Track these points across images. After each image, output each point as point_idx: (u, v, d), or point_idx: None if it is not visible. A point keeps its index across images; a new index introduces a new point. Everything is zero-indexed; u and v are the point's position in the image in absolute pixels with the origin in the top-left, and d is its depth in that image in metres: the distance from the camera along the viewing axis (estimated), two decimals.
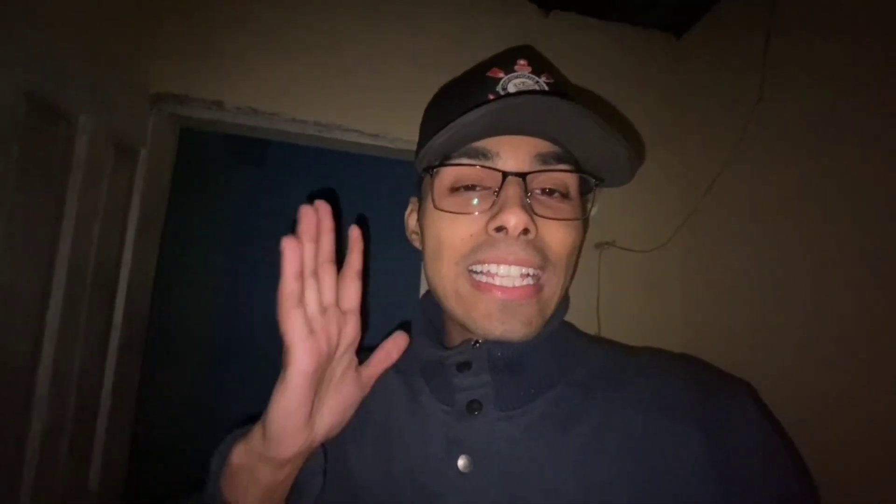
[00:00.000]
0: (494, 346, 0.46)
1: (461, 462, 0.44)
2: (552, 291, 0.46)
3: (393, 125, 1.29)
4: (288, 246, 0.38)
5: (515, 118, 0.44)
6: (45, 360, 0.88)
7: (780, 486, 0.41)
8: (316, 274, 0.40)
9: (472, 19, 1.39)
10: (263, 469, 0.40)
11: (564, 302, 0.52)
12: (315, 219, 0.40)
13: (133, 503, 1.19)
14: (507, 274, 0.44)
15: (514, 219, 0.42)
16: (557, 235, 0.45)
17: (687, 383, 0.46)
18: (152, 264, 1.21)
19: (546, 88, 0.47)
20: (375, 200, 1.86)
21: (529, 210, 0.43)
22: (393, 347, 0.45)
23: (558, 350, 0.50)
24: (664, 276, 1.41)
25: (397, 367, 0.51)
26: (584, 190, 0.50)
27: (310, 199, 0.40)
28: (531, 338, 0.45)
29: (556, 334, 0.50)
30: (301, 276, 0.38)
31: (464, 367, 0.46)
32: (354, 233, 0.42)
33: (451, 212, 0.46)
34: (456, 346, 0.50)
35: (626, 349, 0.53)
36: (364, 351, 0.53)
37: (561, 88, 0.48)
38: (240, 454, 0.41)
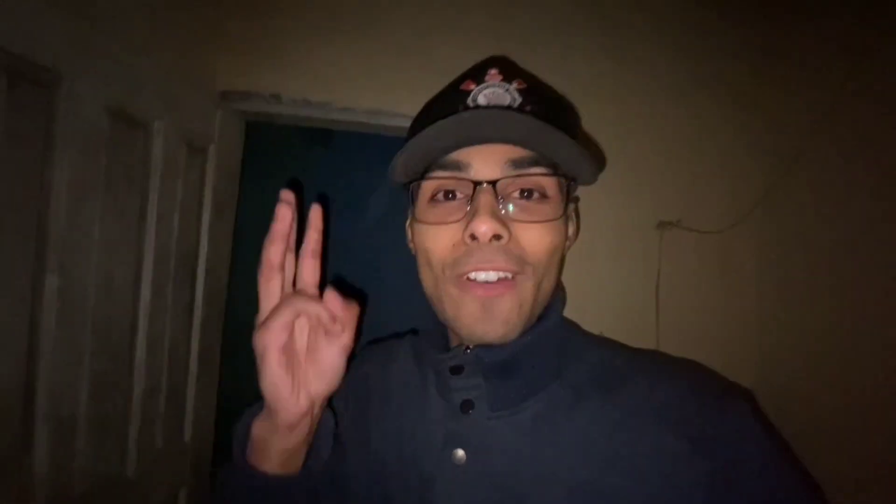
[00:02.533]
0: (483, 352, 0.48)
1: (457, 454, 0.47)
2: (528, 291, 0.47)
3: None
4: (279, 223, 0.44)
5: (481, 130, 0.45)
6: (141, 333, 1.04)
7: (776, 497, 0.40)
8: (283, 266, 0.46)
9: None
10: (275, 437, 0.45)
11: (558, 299, 0.53)
12: (289, 214, 0.45)
13: (222, 451, 1.39)
14: (486, 279, 0.46)
15: (483, 226, 0.44)
16: (534, 237, 0.46)
17: (683, 391, 0.46)
18: (227, 248, 1.35)
19: (517, 95, 0.48)
20: None
21: (499, 216, 0.45)
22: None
23: (553, 350, 0.51)
24: (737, 262, 1.28)
25: (418, 358, 0.58)
26: (566, 189, 0.50)
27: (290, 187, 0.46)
28: (510, 338, 0.46)
29: (552, 333, 0.51)
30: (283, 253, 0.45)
31: (457, 370, 0.49)
32: (314, 212, 0.46)
33: (431, 223, 0.48)
34: (451, 350, 0.53)
35: (627, 351, 0.53)
36: (372, 343, 0.60)
37: (532, 94, 0.49)
38: (257, 426, 0.47)
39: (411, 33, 1.31)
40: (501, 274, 0.46)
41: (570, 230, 0.54)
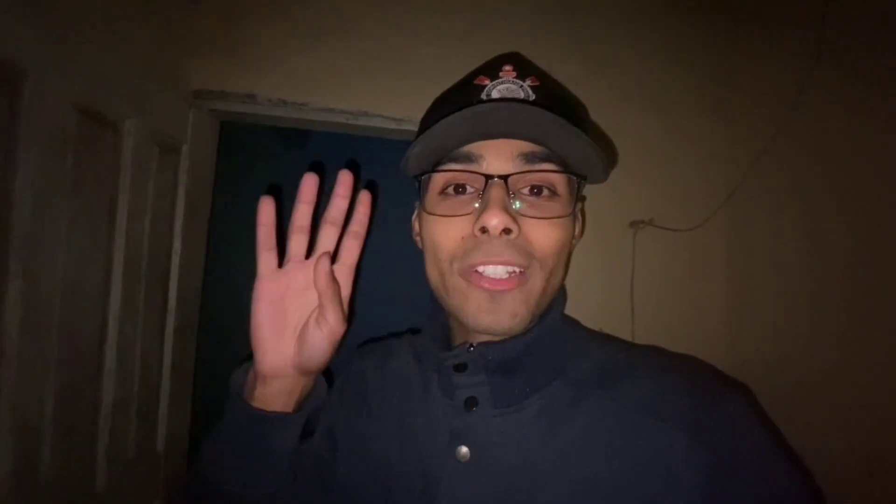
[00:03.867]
0: (487, 350, 0.48)
1: (461, 451, 0.47)
2: (537, 286, 0.47)
3: (420, 110, 1.29)
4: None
5: (495, 123, 0.46)
6: (111, 341, 1.00)
7: (772, 492, 0.40)
8: (304, 229, 0.50)
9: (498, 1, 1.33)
10: (256, 385, 0.50)
11: (560, 297, 0.53)
12: (314, 184, 0.50)
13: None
14: (494, 273, 0.46)
15: (494, 220, 0.44)
16: (543, 233, 0.47)
17: (680, 387, 0.46)
18: (201, 252, 1.31)
19: (530, 92, 0.48)
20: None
21: (511, 210, 0.45)
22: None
23: (555, 347, 0.51)
24: (705, 258, 1.33)
25: (418, 357, 0.58)
26: (576, 187, 0.50)
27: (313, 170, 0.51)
28: (518, 330, 0.47)
29: (554, 330, 0.51)
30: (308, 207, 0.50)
31: (461, 367, 0.49)
32: (364, 195, 0.51)
33: (441, 215, 0.49)
34: (454, 348, 0.53)
35: (627, 347, 0.54)
36: (368, 343, 0.62)
37: (545, 91, 0.49)
38: (247, 373, 0.52)
39: (391, 34, 1.31)
40: (510, 269, 0.46)
41: (577, 229, 0.54)
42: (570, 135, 0.45)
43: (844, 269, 0.94)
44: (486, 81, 0.49)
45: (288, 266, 0.50)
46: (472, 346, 0.49)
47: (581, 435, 0.46)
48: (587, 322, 0.58)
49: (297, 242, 0.50)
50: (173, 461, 1.21)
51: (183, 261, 1.22)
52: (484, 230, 0.45)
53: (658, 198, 1.33)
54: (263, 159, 2.02)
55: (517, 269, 0.46)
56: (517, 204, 0.46)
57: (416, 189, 0.53)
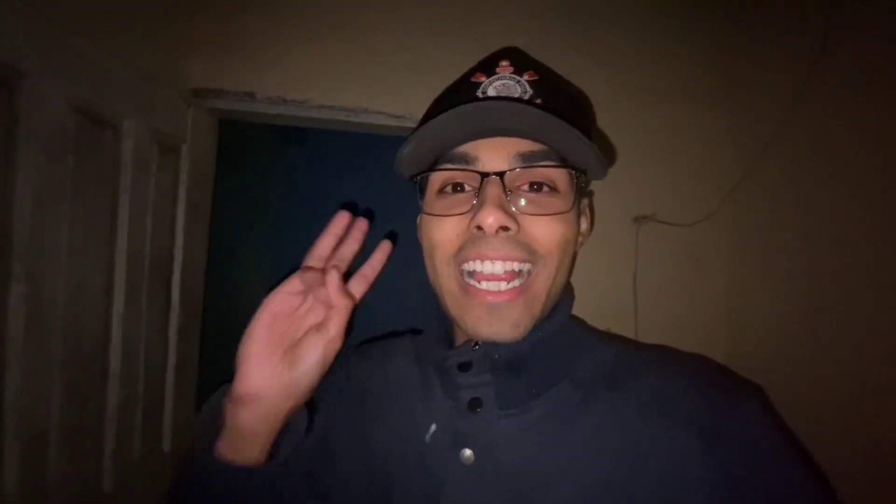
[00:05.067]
0: (493, 348, 0.47)
1: (465, 454, 0.46)
2: (542, 287, 0.46)
3: (420, 105, 1.28)
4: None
5: (488, 121, 0.45)
6: (115, 342, 1.00)
7: (787, 493, 0.39)
8: (323, 259, 0.50)
9: None
10: (230, 410, 0.45)
11: (567, 296, 0.52)
12: (344, 222, 0.50)
13: None
14: (492, 271, 0.45)
15: (489, 218, 0.43)
16: (545, 230, 0.46)
17: (692, 386, 0.45)
18: (203, 251, 1.31)
19: (528, 87, 0.47)
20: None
21: (507, 208, 0.44)
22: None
23: (562, 347, 0.50)
24: (708, 253, 1.33)
25: (418, 358, 0.56)
26: (577, 182, 0.49)
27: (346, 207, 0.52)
28: (521, 338, 0.46)
29: (561, 331, 0.50)
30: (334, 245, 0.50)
31: (465, 366, 0.48)
32: (385, 245, 0.51)
33: (438, 214, 0.48)
34: (458, 346, 0.51)
35: (635, 346, 0.52)
36: (366, 343, 0.61)
37: (544, 85, 0.48)
38: (222, 399, 0.47)
39: (390, 30, 1.30)
40: (509, 266, 0.45)
41: (584, 226, 0.53)
42: (564, 131, 0.44)
43: (845, 263, 0.93)
44: (483, 78, 0.48)
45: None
46: (477, 344, 0.48)
47: (590, 437, 0.44)
48: (591, 318, 0.57)
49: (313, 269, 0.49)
50: (178, 459, 1.22)
51: (185, 260, 1.22)
52: (480, 228, 0.44)
53: (661, 193, 1.33)
54: (263, 157, 2.01)
55: (516, 268, 0.45)
56: (520, 201, 0.45)
57: (416, 190, 0.52)
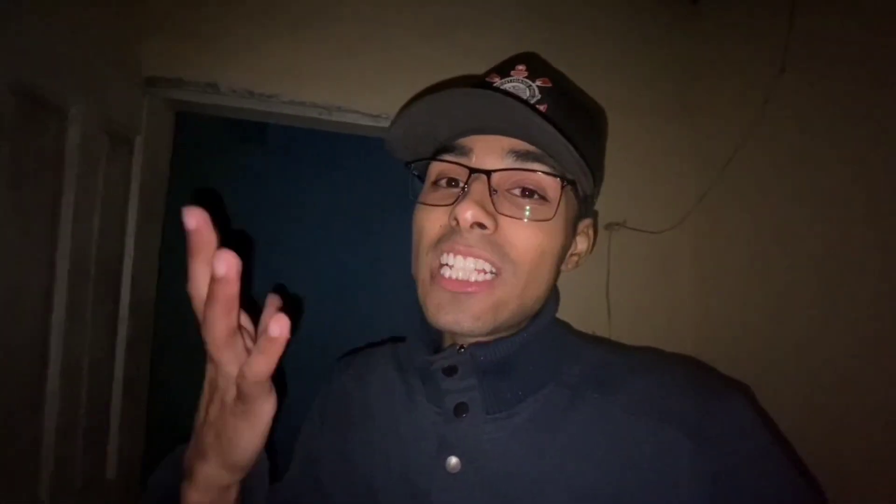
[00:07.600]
0: (479, 350, 0.46)
1: (451, 462, 0.45)
2: (509, 293, 0.45)
3: (399, 105, 1.24)
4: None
5: (483, 117, 0.45)
6: (54, 357, 0.88)
7: (775, 494, 0.40)
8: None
9: None
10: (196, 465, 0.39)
11: (553, 299, 0.52)
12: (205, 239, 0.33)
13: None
14: (463, 266, 0.44)
15: (466, 212, 0.43)
16: (522, 235, 0.45)
17: (680, 388, 0.46)
18: (155, 255, 1.19)
19: (537, 92, 0.48)
20: (382, 180, 1.82)
21: (487, 206, 0.44)
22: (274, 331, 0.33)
23: (548, 349, 0.50)
24: (676, 259, 1.38)
25: (399, 366, 0.56)
26: (570, 193, 0.48)
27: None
28: (484, 333, 0.45)
29: (547, 333, 0.50)
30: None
31: (451, 370, 0.47)
32: (273, 301, 0.37)
33: (428, 204, 0.48)
34: (442, 350, 0.50)
35: (621, 349, 0.53)
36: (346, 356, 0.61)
37: (557, 93, 0.49)
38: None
39: (370, 23, 1.25)
40: (479, 264, 0.44)
41: (581, 245, 0.53)
42: (549, 135, 0.43)
43: (809, 270, 1.00)
44: (497, 79, 0.49)
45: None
46: (461, 347, 0.47)
47: (578, 440, 0.44)
48: (568, 319, 0.57)
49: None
50: (125, 490, 1.09)
51: (136, 265, 1.10)
52: (457, 221, 0.44)
53: (632, 200, 1.37)
54: (224, 154, 1.88)
55: (486, 268, 0.44)
56: (504, 201, 0.45)
57: (410, 177, 0.53)
